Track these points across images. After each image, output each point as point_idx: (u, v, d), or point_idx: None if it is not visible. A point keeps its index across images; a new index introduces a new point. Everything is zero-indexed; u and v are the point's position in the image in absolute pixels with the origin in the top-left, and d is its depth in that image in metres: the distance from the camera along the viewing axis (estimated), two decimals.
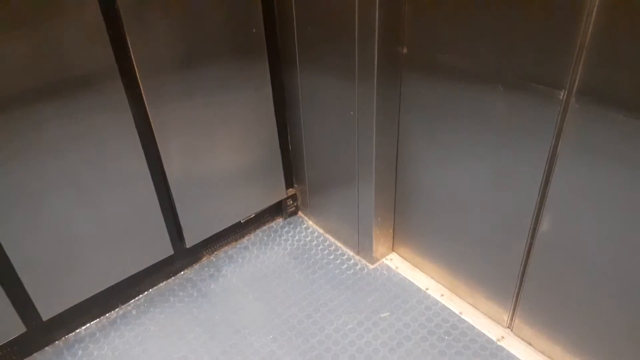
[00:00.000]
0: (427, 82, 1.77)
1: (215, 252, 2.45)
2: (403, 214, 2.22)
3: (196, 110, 1.99)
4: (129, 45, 1.70)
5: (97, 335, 2.06)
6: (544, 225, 1.60)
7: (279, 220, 2.64)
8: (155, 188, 2.00)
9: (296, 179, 2.58)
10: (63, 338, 2.05)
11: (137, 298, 2.21)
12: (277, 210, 2.63)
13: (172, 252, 2.20)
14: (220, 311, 2.14)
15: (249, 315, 2.12)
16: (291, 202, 2.61)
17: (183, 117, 1.96)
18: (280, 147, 2.41)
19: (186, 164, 2.06)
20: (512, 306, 1.91)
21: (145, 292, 2.24)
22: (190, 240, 2.24)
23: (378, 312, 2.09)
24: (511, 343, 1.92)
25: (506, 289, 1.89)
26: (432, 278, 2.23)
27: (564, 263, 1.60)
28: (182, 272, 2.34)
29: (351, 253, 2.40)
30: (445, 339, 1.95)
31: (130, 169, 1.90)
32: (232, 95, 2.08)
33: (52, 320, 1.94)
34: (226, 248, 2.48)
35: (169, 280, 2.31)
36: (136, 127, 1.84)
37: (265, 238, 2.53)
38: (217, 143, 2.13)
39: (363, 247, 2.32)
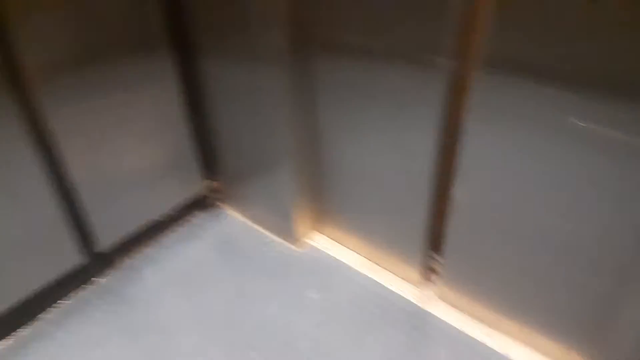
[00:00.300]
0: (334, 62, 1.76)
1: (134, 255, 2.32)
2: (324, 194, 2.21)
3: (99, 108, 1.86)
4: (16, 47, 1.56)
5: (8, 358, 1.89)
6: (458, 190, 1.63)
7: (201, 215, 2.55)
8: (56, 195, 1.85)
9: (215, 170, 2.50)
10: None
11: (47, 313, 2.05)
12: (198, 204, 2.54)
13: (82, 259, 2.05)
14: (143, 315, 2.03)
15: (174, 315, 2.02)
16: (212, 194, 2.53)
17: (85, 116, 1.83)
18: (194, 139, 2.32)
19: (92, 165, 1.93)
20: (434, 271, 1.95)
21: (57, 306, 2.08)
22: (102, 245, 2.11)
23: (306, 293, 2.06)
24: (437, 307, 1.96)
25: (426, 254, 1.94)
26: (357, 253, 2.24)
27: (479, 225, 1.65)
28: (98, 279, 2.20)
29: (277, 239, 2.36)
30: (375, 312, 1.96)
31: (22, 177, 1.74)
32: (136, 89, 1.97)
33: None
34: (145, 249, 2.36)
35: (84, 289, 2.16)
36: (28, 131, 1.69)
37: (187, 234, 2.43)
38: (124, 141, 2.01)
39: (287, 232, 2.29)
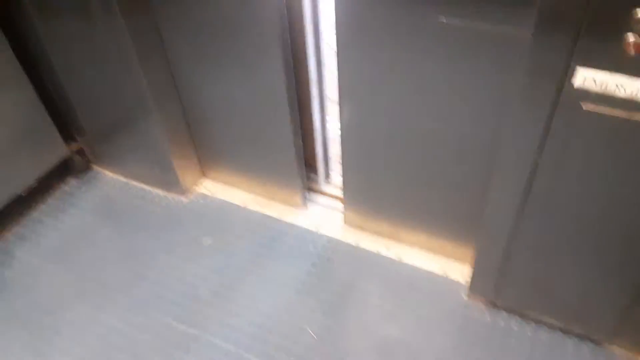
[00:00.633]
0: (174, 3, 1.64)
1: (2, 236, 2.10)
2: (201, 137, 2.12)
3: None
4: None
5: None
6: (342, 112, 1.64)
7: (72, 180, 2.34)
8: None
9: (78, 130, 2.27)
10: None
11: None
12: (65, 170, 2.32)
13: None
14: (24, 298, 1.87)
15: (60, 292, 1.89)
16: (79, 157, 2.31)
17: None
18: (43, 100, 2.07)
19: None
20: (315, 191, 1.99)
21: None
22: None
23: (201, 242, 2.02)
24: (332, 229, 2.03)
25: (303, 177, 2.01)
26: (247, 192, 2.21)
27: (367, 143, 1.69)
28: None
29: (160, 192, 2.25)
30: (274, 246, 1.99)
31: None
32: None
33: None
34: (15, 228, 2.13)
35: None
36: None
37: (60, 204, 2.23)
38: None
39: (170, 183, 2.19)
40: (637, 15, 0.95)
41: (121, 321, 1.77)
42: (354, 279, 1.84)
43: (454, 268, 1.84)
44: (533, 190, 1.33)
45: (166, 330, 1.73)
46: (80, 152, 2.32)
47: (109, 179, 2.34)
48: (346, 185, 1.90)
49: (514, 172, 1.32)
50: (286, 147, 1.90)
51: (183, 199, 2.21)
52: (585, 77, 1.08)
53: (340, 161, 1.82)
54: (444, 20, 1.25)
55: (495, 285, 1.63)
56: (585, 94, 1.10)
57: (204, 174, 2.29)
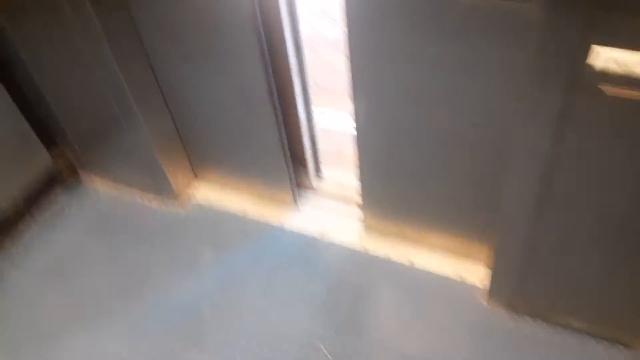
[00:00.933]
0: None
1: None
2: (190, 138, 1.98)
3: None
4: None
5: None
6: (356, 112, 1.49)
7: (61, 192, 2.20)
8: None
9: (60, 138, 2.13)
10: None
11: None
12: (51, 182, 2.18)
13: None
14: (18, 326, 1.76)
15: (55, 316, 1.78)
16: (64, 165, 2.17)
17: None
18: (21, 109, 1.93)
19: None
20: (306, 186, 1.86)
21: None
22: None
23: (199, 254, 1.90)
24: (335, 234, 1.91)
25: (293, 174, 1.90)
26: (241, 193, 2.08)
27: (384, 142, 1.55)
28: None
29: (153, 200, 2.11)
30: (277, 255, 1.87)
31: None
32: None
33: None
34: (2, 249, 2.01)
35: None
36: None
37: (49, 219, 2.10)
38: None
39: (162, 187, 2.05)
40: None
41: (121, 346, 1.67)
42: (366, 288, 1.73)
43: (470, 270, 1.72)
44: (551, 184, 1.20)
45: (170, 356, 1.62)
46: (65, 161, 2.18)
47: (97, 187, 2.20)
48: (363, 189, 1.74)
49: (529, 166, 1.19)
50: (272, 144, 1.77)
51: (177, 205, 2.07)
52: (605, 57, 0.94)
53: (358, 163, 1.65)
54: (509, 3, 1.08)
55: (516, 288, 1.52)
56: (605, 76, 0.97)
57: (196, 176, 2.15)
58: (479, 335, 1.57)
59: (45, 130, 2.07)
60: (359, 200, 1.79)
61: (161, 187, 2.04)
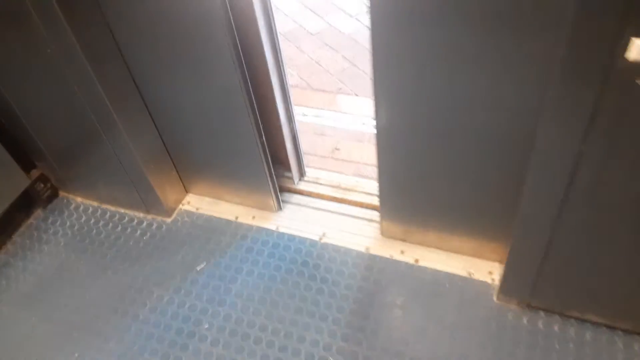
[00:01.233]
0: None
1: None
2: (179, 150, 1.88)
3: None
4: None
5: None
6: (377, 118, 1.39)
7: (39, 213, 2.08)
8: None
9: (36, 156, 2.00)
10: None
11: None
12: (29, 202, 2.05)
13: None
14: (2, 351, 1.64)
15: (39, 343, 1.66)
16: (42, 185, 2.05)
17: None
18: None
19: None
20: (289, 190, 1.79)
21: None
22: None
23: (193, 267, 1.80)
24: (332, 236, 1.83)
25: (274, 178, 1.82)
26: (236, 204, 1.99)
27: (404, 150, 1.47)
28: None
29: (140, 215, 2.01)
30: (271, 262, 1.78)
31: None
32: None
33: None
34: None
35: None
36: None
37: (28, 241, 1.98)
38: None
39: (150, 203, 1.95)
40: None
41: None
42: (373, 292, 1.65)
43: (478, 267, 1.67)
44: (576, 182, 1.14)
45: None
46: (44, 179, 2.05)
47: (80, 206, 2.08)
48: (382, 192, 1.63)
49: (556, 164, 1.13)
50: (252, 148, 1.69)
51: (167, 219, 1.97)
52: None
53: (377, 166, 1.54)
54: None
55: (532, 284, 1.46)
56: None
57: (185, 189, 2.05)
58: (492, 332, 1.51)
59: (20, 148, 1.95)
60: (377, 203, 1.72)
61: (150, 204, 1.94)
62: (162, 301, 1.72)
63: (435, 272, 1.67)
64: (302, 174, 2.00)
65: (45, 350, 1.64)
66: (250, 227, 1.90)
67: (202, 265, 1.81)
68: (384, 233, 1.77)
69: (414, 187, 1.55)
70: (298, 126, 1.86)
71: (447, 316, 1.56)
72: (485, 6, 1.05)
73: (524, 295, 1.51)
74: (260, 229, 1.89)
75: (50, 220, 2.04)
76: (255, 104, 1.58)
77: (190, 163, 1.92)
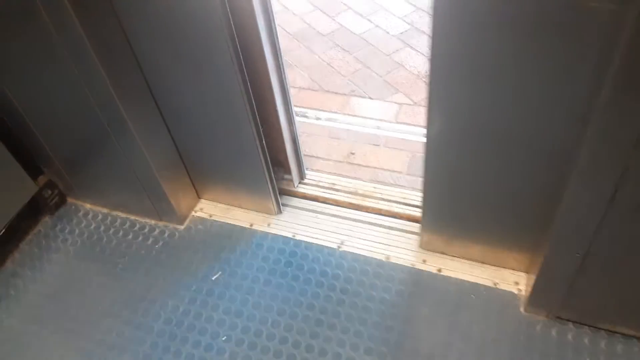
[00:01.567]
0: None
1: None
2: (191, 153, 1.82)
3: None
4: None
5: None
6: (429, 125, 1.32)
7: (46, 220, 2.02)
8: None
9: (44, 163, 1.95)
10: None
11: None
12: (36, 209, 2.00)
13: None
14: None
15: (50, 357, 1.61)
16: (50, 191, 1.99)
17: None
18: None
19: None
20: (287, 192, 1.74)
21: None
22: None
23: (208, 276, 1.75)
24: (350, 244, 1.78)
25: (273, 180, 1.80)
26: (250, 210, 1.94)
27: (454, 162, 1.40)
28: None
29: (152, 222, 1.95)
30: (289, 272, 1.73)
31: None
32: None
33: None
34: None
35: None
36: None
37: (36, 250, 1.92)
38: None
39: (163, 210, 1.89)
40: None
41: None
42: (395, 302, 1.61)
43: (503, 277, 1.62)
44: (618, 197, 1.09)
45: None
46: (51, 185, 2.00)
47: (89, 212, 2.02)
48: (426, 204, 1.57)
49: (600, 177, 1.08)
50: (254, 152, 1.66)
51: (179, 226, 1.92)
52: None
53: (423, 176, 1.48)
54: (596, 4, 0.94)
55: (563, 297, 1.42)
56: None
57: (198, 195, 2.00)
58: (521, 345, 1.47)
59: (28, 156, 1.89)
60: (419, 214, 1.66)
61: (163, 211, 1.88)
62: (177, 312, 1.66)
63: (460, 282, 1.62)
64: (302, 176, 1.97)
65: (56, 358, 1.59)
66: (265, 235, 1.85)
67: (217, 275, 1.76)
68: (423, 245, 1.71)
69: (460, 198, 1.49)
70: (311, 129, 1.82)
71: (474, 328, 1.52)
72: (547, 15, 0.99)
73: (554, 307, 1.47)
74: (276, 237, 1.84)
75: (58, 228, 1.98)
76: (255, 106, 1.54)
77: (201, 168, 1.87)
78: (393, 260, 1.71)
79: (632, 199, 1.09)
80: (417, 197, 1.84)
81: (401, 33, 2.63)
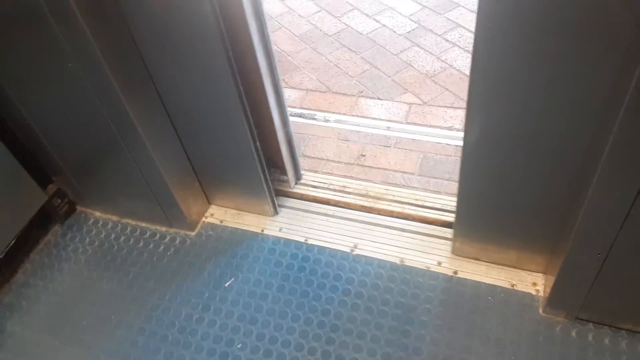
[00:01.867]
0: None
1: None
2: (201, 159, 1.81)
3: None
4: None
5: None
6: (467, 132, 1.30)
7: (56, 229, 2.01)
8: None
9: (53, 172, 1.93)
10: None
11: None
12: (46, 218, 1.99)
13: None
14: None
15: None
16: (59, 200, 1.98)
17: None
18: (5, 142, 1.73)
19: None
20: (283, 194, 1.72)
21: None
22: None
23: (220, 283, 1.74)
24: (364, 247, 1.76)
25: (268, 182, 1.79)
26: (261, 215, 1.92)
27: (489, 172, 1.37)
28: None
29: (163, 229, 1.94)
30: (302, 277, 1.71)
31: None
32: None
33: None
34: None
35: None
36: None
37: (47, 259, 1.91)
38: None
39: (174, 216, 1.88)
40: None
41: None
42: (411, 306, 1.58)
43: (521, 278, 1.60)
44: None
45: None
46: (61, 193, 1.98)
47: (99, 220, 2.01)
48: (460, 211, 1.54)
49: (624, 178, 1.06)
50: (249, 154, 1.65)
51: (190, 233, 1.90)
52: None
53: (459, 182, 1.44)
54: None
55: (583, 298, 1.39)
56: None
57: (209, 200, 1.98)
58: (540, 347, 1.45)
59: (37, 165, 1.88)
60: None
61: (172, 217, 1.87)
62: (191, 320, 1.65)
63: (476, 284, 1.60)
64: (298, 177, 1.97)
65: None
66: (277, 240, 1.83)
67: (230, 281, 1.74)
68: (455, 251, 1.68)
69: (491, 203, 1.46)
70: (320, 132, 1.80)
71: (492, 330, 1.49)
72: (591, 20, 0.97)
73: (574, 308, 1.45)
74: (288, 242, 1.82)
75: (69, 237, 1.97)
76: (248, 109, 1.54)
77: (209, 173, 1.86)
78: (407, 263, 1.69)
79: None
80: (430, 199, 1.82)
81: (408, 32, 2.61)
